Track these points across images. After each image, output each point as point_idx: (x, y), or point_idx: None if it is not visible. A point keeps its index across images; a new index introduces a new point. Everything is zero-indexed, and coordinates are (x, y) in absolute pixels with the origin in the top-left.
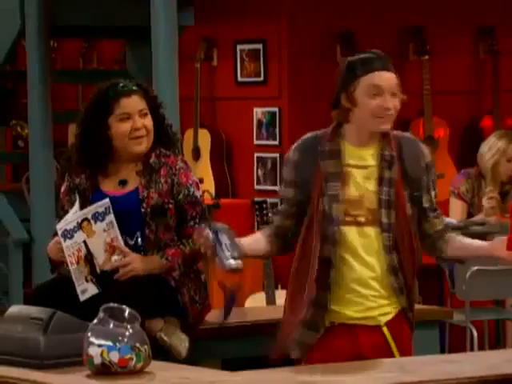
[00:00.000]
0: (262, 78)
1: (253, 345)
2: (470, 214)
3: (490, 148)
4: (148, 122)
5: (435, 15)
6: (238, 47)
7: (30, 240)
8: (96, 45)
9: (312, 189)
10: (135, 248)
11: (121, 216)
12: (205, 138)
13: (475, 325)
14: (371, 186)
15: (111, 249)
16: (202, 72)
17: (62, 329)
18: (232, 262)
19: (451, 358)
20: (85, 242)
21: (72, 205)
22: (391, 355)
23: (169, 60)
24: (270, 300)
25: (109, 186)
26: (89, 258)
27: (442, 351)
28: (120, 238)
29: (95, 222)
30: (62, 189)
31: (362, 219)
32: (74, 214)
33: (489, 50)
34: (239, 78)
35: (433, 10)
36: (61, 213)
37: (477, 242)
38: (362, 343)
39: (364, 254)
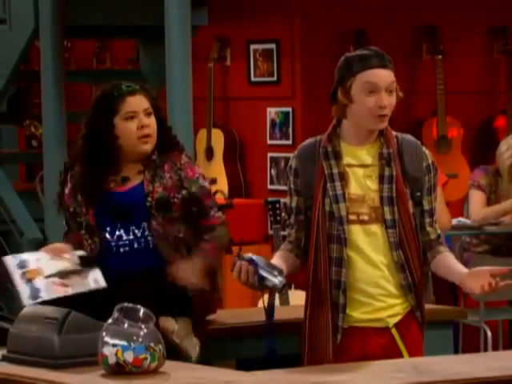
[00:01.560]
0: (275, 78)
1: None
2: None
3: (509, 148)
4: (152, 121)
5: (449, 15)
6: (252, 47)
7: (43, 239)
8: (109, 45)
9: (314, 191)
10: (143, 237)
11: (126, 209)
12: (218, 138)
13: (489, 325)
14: (372, 184)
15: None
16: (216, 72)
17: (76, 328)
18: (277, 280)
19: (465, 358)
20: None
21: (78, 204)
22: (401, 357)
23: (182, 60)
24: (284, 300)
25: (112, 184)
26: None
27: (456, 351)
28: None
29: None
30: (66, 191)
31: (366, 217)
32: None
33: (502, 49)
34: (252, 78)
35: (446, 9)
36: (66, 214)
37: (457, 268)
38: (372, 347)
39: (370, 253)
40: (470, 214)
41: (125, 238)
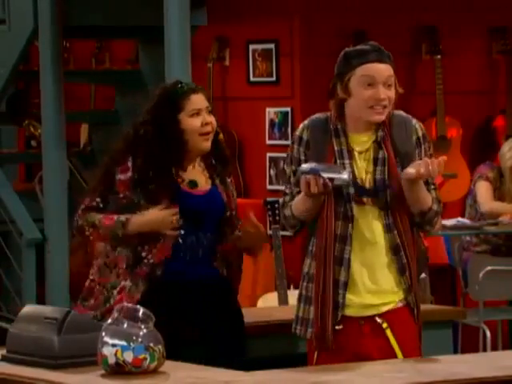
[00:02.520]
0: (274, 78)
1: (266, 345)
2: None
3: (511, 149)
4: (213, 119)
5: (448, 15)
6: (251, 47)
7: (42, 240)
8: (108, 45)
9: None
10: (209, 243)
11: (202, 214)
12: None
13: (488, 325)
14: (369, 166)
15: None
16: (215, 72)
17: (76, 328)
18: (345, 176)
19: (464, 358)
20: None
21: (131, 200)
22: (394, 356)
23: (181, 60)
24: (283, 300)
25: (182, 184)
26: None
27: (455, 351)
28: None
29: None
30: (122, 177)
31: (365, 199)
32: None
33: (502, 49)
34: (252, 78)
35: (446, 9)
36: (113, 197)
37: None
38: (366, 347)
39: (368, 233)
40: (479, 203)
41: (194, 243)
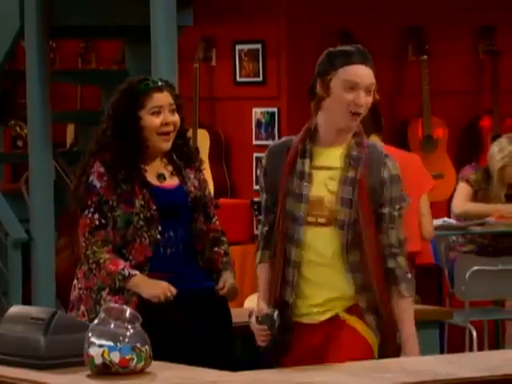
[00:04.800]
0: (260, 78)
1: (253, 345)
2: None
3: (501, 150)
4: (176, 118)
5: (434, 15)
6: (237, 47)
7: (28, 240)
8: (95, 45)
9: (278, 190)
10: (188, 239)
11: (176, 208)
12: (204, 138)
13: (474, 325)
14: (334, 187)
15: None
16: (201, 72)
17: (62, 329)
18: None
19: (450, 358)
20: None
21: (117, 197)
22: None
23: (168, 60)
24: None
25: (152, 180)
26: None
27: (441, 351)
28: None
29: None
30: (99, 184)
31: (323, 220)
32: None
33: (488, 50)
34: (238, 78)
35: (432, 10)
36: (104, 207)
37: (402, 323)
38: (318, 337)
39: (326, 255)
40: (452, 205)
41: (173, 238)
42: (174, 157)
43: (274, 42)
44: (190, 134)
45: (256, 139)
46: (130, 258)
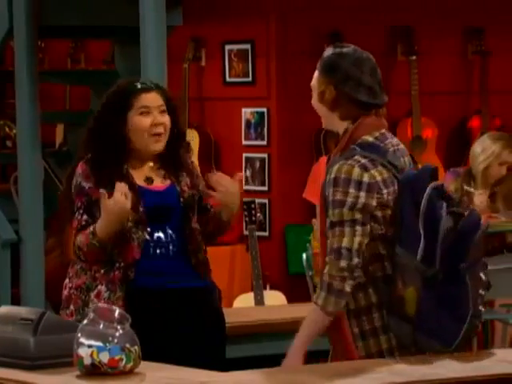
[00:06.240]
0: (250, 79)
1: (244, 345)
2: None
3: (484, 150)
4: (166, 119)
5: (424, 15)
6: (227, 47)
7: (18, 240)
8: (84, 45)
9: None
10: (180, 239)
11: (165, 209)
12: (193, 139)
13: None
14: None
15: None
16: (191, 72)
17: (51, 329)
18: None
19: (439, 358)
20: None
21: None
22: None
23: (157, 60)
24: (259, 300)
25: (139, 182)
26: None
27: None
28: None
29: None
30: (87, 185)
31: None
32: None
33: (477, 50)
34: (227, 79)
35: (421, 10)
36: (93, 208)
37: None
38: None
39: None
40: None
41: (163, 239)
42: (165, 162)
43: (264, 43)
44: (186, 137)
45: (245, 139)
46: (119, 259)
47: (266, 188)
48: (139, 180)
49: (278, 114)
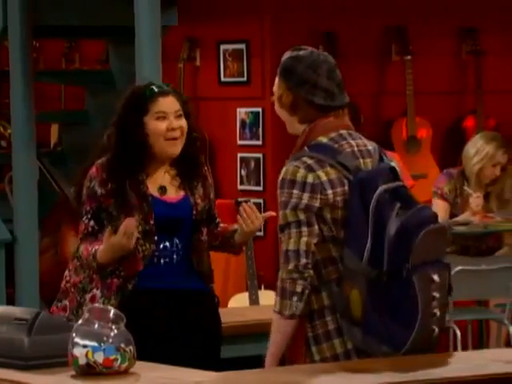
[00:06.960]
0: (245, 78)
1: (239, 345)
2: (453, 215)
3: (478, 152)
4: (183, 123)
5: (418, 15)
6: (222, 47)
7: (12, 240)
8: (78, 45)
9: None
10: (185, 249)
11: (176, 221)
12: None
13: (458, 325)
14: None
15: None
16: (186, 72)
17: (46, 329)
18: None
19: (434, 357)
20: None
21: (116, 206)
22: None
23: (152, 60)
24: (254, 300)
25: (152, 191)
26: None
27: None
28: None
29: None
30: (100, 191)
31: None
32: None
33: (472, 50)
34: (222, 78)
35: (416, 10)
36: (102, 214)
37: None
38: None
39: None
40: None
41: (168, 248)
42: (183, 168)
43: (259, 42)
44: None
45: (240, 139)
46: (120, 269)
47: (260, 188)
48: (153, 189)
49: (273, 114)
